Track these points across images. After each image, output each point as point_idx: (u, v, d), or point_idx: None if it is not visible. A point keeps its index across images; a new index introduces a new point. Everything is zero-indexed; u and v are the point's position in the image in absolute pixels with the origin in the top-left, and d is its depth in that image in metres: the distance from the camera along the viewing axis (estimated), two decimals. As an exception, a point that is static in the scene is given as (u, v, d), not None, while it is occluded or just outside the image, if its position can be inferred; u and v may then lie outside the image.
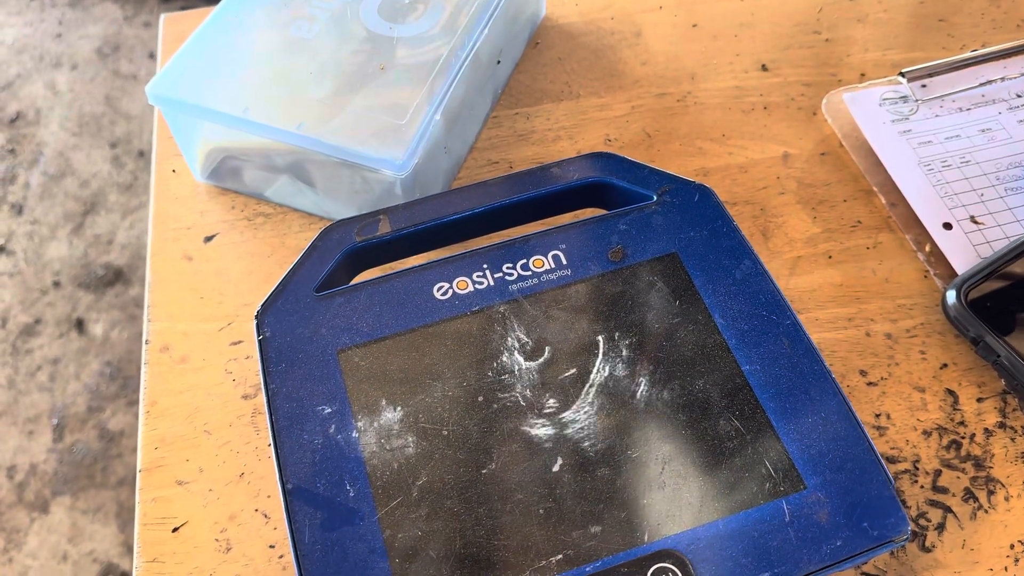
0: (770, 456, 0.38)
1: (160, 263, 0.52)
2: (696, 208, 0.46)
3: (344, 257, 0.44)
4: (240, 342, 0.48)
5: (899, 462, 0.44)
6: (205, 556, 0.42)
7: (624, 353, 0.41)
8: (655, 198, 0.46)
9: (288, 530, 0.36)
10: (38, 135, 1.85)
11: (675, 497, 0.37)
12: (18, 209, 1.73)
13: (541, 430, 0.39)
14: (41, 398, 1.48)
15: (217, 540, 0.42)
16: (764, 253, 0.51)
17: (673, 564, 0.36)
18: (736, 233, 0.45)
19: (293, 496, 0.37)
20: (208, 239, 0.53)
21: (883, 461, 0.38)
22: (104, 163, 1.80)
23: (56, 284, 1.62)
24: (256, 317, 0.42)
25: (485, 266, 0.44)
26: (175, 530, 0.43)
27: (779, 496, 0.37)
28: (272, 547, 0.42)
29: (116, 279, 1.62)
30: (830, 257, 0.51)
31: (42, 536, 1.33)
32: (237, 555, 0.42)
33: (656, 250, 0.44)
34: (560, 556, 0.36)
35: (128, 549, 1.31)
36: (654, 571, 0.35)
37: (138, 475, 0.44)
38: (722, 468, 0.38)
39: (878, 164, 0.55)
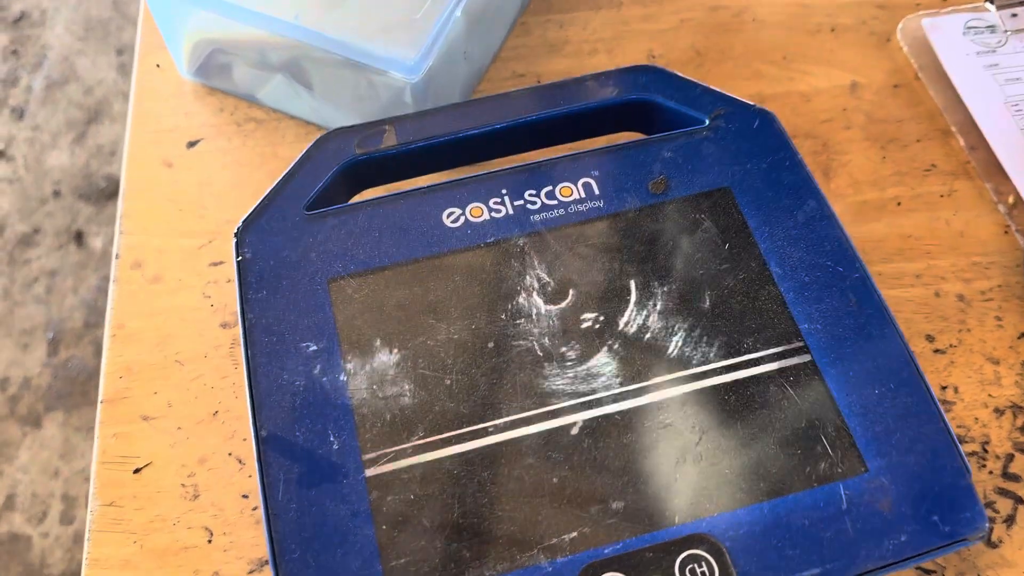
0: (827, 431, 0.32)
1: (137, 169, 0.46)
2: (755, 136, 0.39)
3: (341, 172, 0.38)
4: (221, 263, 0.42)
5: (966, 443, 0.38)
6: (169, 502, 0.37)
7: (660, 302, 0.35)
8: (707, 122, 0.39)
9: (259, 484, 0.31)
10: (43, 37, 1.78)
11: (712, 473, 0.31)
12: (19, 113, 1.67)
13: (559, 385, 0.33)
14: (37, 311, 1.44)
15: (183, 485, 0.37)
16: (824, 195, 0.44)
17: (706, 551, 0.30)
18: (800, 168, 0.38)
19: (267, 444, 0.32)
20: (191, 144, 0.46)
21: (959, 444, 0.32)
22: (110, 70, 1.73)
23: (56, 194, 1.57)
24: (236, 235, 0.36)
25: (504, 191, 0.38)
26: (137, 471, 0.38)
27: (836, 479, 0.31)
28: (245, 497, 0.37)
29: (117, 192, 1.57)
30: (899, 204, 0.45)
31: (33, 451, 1.31)
32: (205, 503, 0.37)
33: (705, 183, 0.38)
34: (574, 534, 0.30)
35: (120, 469, 1.28)
36: (684, 559, 0.30)
37: (99, 407, 0.39)
38: (769, 442, 0.32)
39: (958, 101, 0.48)
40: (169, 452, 0.38)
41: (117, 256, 0.43)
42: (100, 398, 0.39)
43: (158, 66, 0.49)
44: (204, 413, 0.39)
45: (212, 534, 0.36)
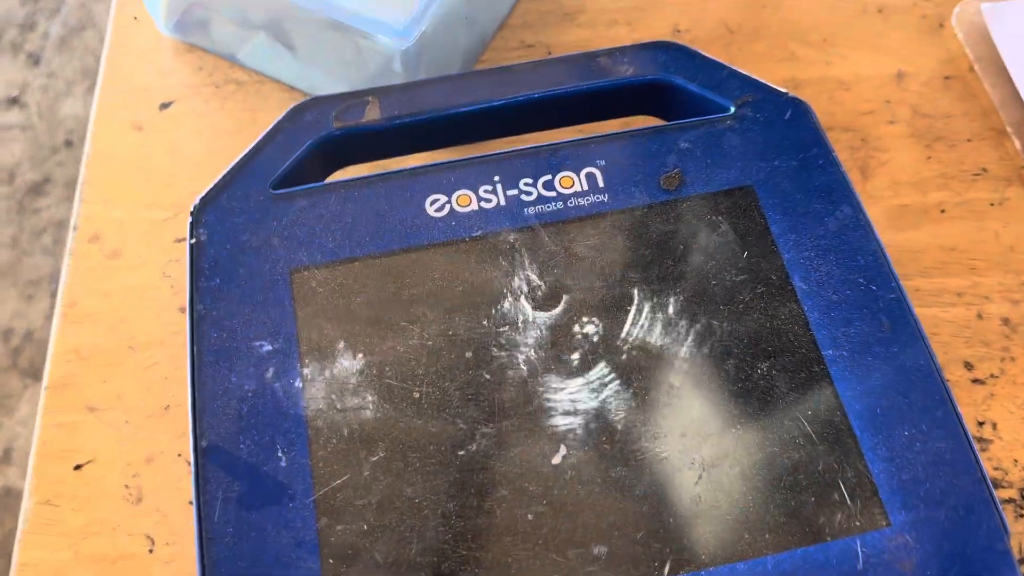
0: (846, 476, 0.28)
1: (104, 131, 0.42)
2: (785, 129, 0.34)
3: (316, 147, 0.34)
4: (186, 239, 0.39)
5: (1002, 488, 0.34)
6: (109, 504, 0.33)
7: (665, 313, 0.31)
8: (732, 110, 0.35)
9: (194, 502, 0.27)
10: (61, -19, 1.74)
11: (712, 518, 0.27)
12: (35, 59, 1.64)
13: (544, 406, 0.29)
14: (43, 261, 1.42)
15: (127, 486, 0.34)
16: (860, 196, 0.40)
17: (698, 610, 0.26)
18: (835, 168, 0.34)
19: (207, 457, 0.28)
20: (164, 106, 0.42)
21: (997, 500, 0.28)
22: (128, 18, 1.69)
23: (68, 143, 1.54)
24: (192, 214, 0.32)
25: (497, 178, 0.33)
26: (78, 467, 0.34)
27: (852, 533, 0.27)
28: (192, 504, 0.33)
29: (130, 144, 1.53)
30: (943, 211, 0.40)
31: (33, 404, 1.29)
32: (148, 508, 0.33)
33: (726, 180, 0.33)
34: (548, 582, 0.26)
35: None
36: (672, 616, 0.26)
37: (43, 392, 0.36)
38: (778, 486, 0.28)
39: (1016, 98, 0.43)
40: (114, 448, 0.34)
41: (75, 227, 0.39)
42: (45, 383, 0.36)
43: (135, 19, 0.45)
44: (155, 407, 0.35)
45: (154, 543, 0.33)
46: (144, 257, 0.38)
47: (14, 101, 1.61)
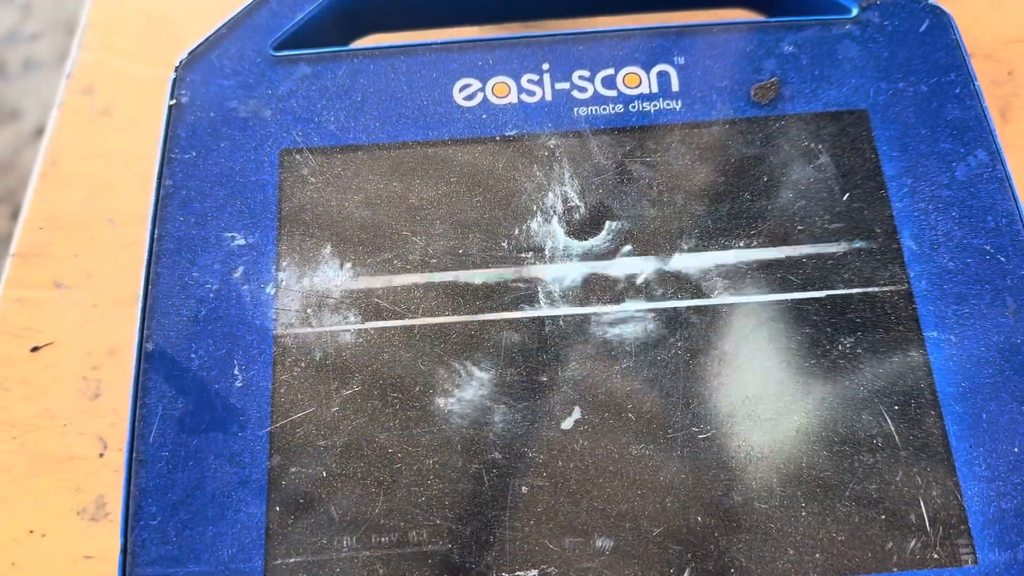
0: (930, 495, 0.22)
1: (112, -33, 0.36)
2: (918, 44, 0.27)
3: (334, 4, 0.28)
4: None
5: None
6: (63, 396, 0.29)
7: (731, 260, 0.24)
8: (854, 12, 0.27)
9: (129, 415, 0.23)
10: None
11: (750, 523, 0.22)
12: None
13: (560, 357, 0.23)
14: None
15: (85, 379, 0.30)
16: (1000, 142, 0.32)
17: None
18: (974, 101, 0.26)
19: (150, 363, 0.23)
20: (182, -55, 0.37)
21: None
22: None
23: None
24: (175, 70, 0.27)
25: (546, 66, 0.27)
26: (35, 349, 0.30)
27: (926, 566, 0.21)
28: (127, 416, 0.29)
29: None
30: (1099, 171, 0.32)
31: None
32: (105, 406, 0.29)
33: (834, 99, 0.26)
34: (534, 572, 0.21)
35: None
36: (683, 637, 0.21)
37: (8, 260, 0.31)
38: (842, 494, 0.22)
39: None
40: (76, 333, 0.30)
41: (68, 75, 0.34)
42: (11, 250, 0.32)
43: None
44: (127, 292, 0.31)
45: (106, 447, 0.29)
46: (137, 119, 0.33)
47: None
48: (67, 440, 0.29)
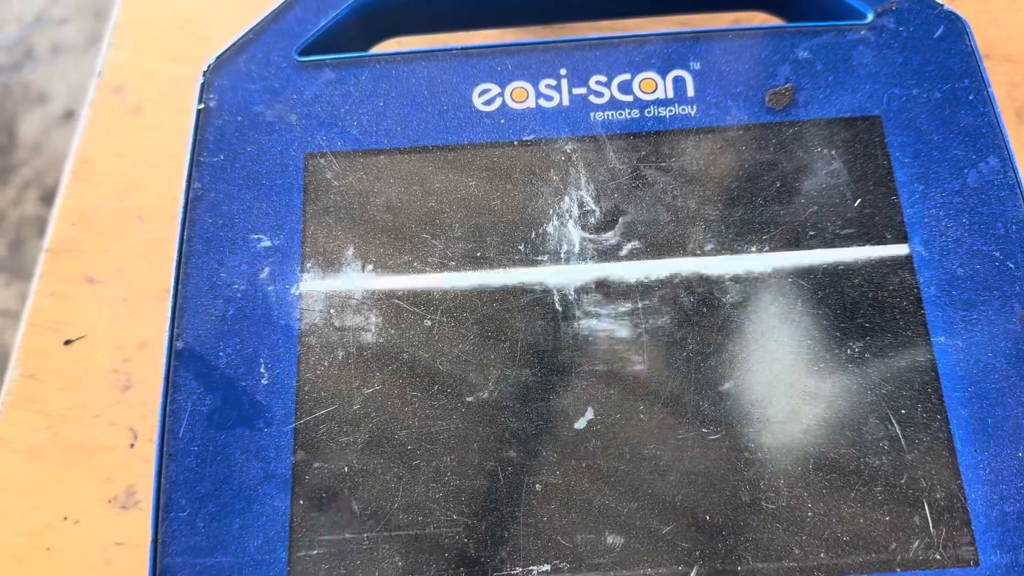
0: (935, 497, 0.23)
1: (141, -33, 0.37)
2: (933, 50, 0.27)
3: (359, 9, 0.29)
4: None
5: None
6: (94, 388, 0.30)
7: (743, 263, 0.25)
8: (870, 17, 0.28)
9: (160, 411, 0.24)
10: None
11: (758, 521, 0.22)
12: None
13: (574, 359, 0.24)
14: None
15: (116, 371, 0.31)
16: (1013, 147, 0.32)
17: (725, 627, 0.22)
18: (987, 108, 0.27)
19: (180, 360, 0.24)
20: (208, -55, 0.37)
21: None
22: None
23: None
24: (204, 75, 0.28)
25: (564, 71, 0.27)
26: (68, 342, 0.31)
27: (929, 567, 0.22)
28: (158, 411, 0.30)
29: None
30: (1114, 175, 0.32)
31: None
32: (135, 398, 0.30)
33: (848, 105, 0.27)
34: (547, 567, 0.22)
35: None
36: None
37: (42, 255, 0.32)
38: (848, 494, 0.23)
39: None
40: (108, 327, 0.31)
41: (99, 74, 0.35)
42: (45, 245, 0.33)
43: None
44: (156, 287, 0.32)
45: (137, 437, 0.30)
46: (165, 118, 0.34)
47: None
48: (99, 431, 0.30)
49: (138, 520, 0.29)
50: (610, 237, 0.25)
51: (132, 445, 0.30)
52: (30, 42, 1.35)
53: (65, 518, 0.29)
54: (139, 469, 0.29)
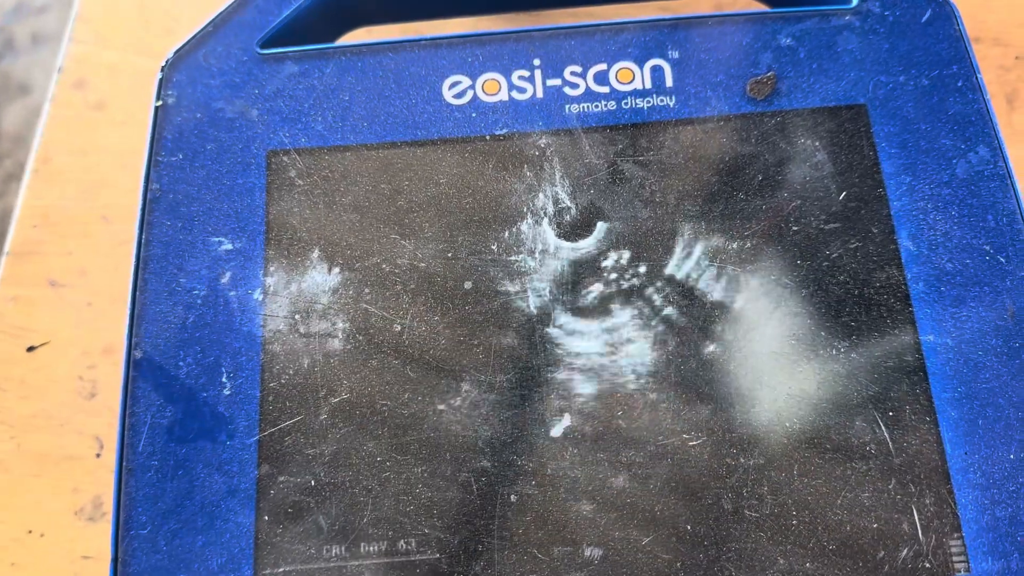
0: (923, 503, 0.22)
1: (103, -44, 0.36)
2: (920, 36, 0.26)
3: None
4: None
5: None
6: (60, 395, 0.29)
7: (725, 261, 0.24)
8: (854, 2, 0.27)
9: (119, 424, 0.23)
10: None
11: (739, 531, 0.22)
12: None
13: (550, 363, 0.23)
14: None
15: (81, 378, 0.30)
16: (1003, 135, 0.31)
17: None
18: (976, 95, 0.26)
19: (139, 371, 0.23)
20: (172, -66, 0.36)
21: (1123, 557, 0.21)
22: None
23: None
24: (162, 71, 0.27)
25: (537, 62, 0.26)
26: (31, 349, 0.30)
27: (918, 575, 0.21)
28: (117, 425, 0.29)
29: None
30: (1108, 160, 0.31)
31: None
32: (101, 405, 0.29)
33: (832, 94, 0.26)
34: (523, 582, 0.21)
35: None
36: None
37: (2, 259, 0.31)
38: (833, 502, 0.22)
39: None
40: (72, 332, 0.30)
41: (60, 69, 0.34)
42: (6, 248, 0.31)
43: None
44: (122, 290, 0.31)
45: (103, 447, 0.29)
46: (131, 114, 0.33)
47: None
48: (64, 440, 0.29)
49: (106, 532, 0.28)
50: (586, 238, 0.24)
51: (98, 455, 0.29)
52: (10, 32, 1.32)
53: (30, 531, 0.28)
54: (106, 479, 0.28)
